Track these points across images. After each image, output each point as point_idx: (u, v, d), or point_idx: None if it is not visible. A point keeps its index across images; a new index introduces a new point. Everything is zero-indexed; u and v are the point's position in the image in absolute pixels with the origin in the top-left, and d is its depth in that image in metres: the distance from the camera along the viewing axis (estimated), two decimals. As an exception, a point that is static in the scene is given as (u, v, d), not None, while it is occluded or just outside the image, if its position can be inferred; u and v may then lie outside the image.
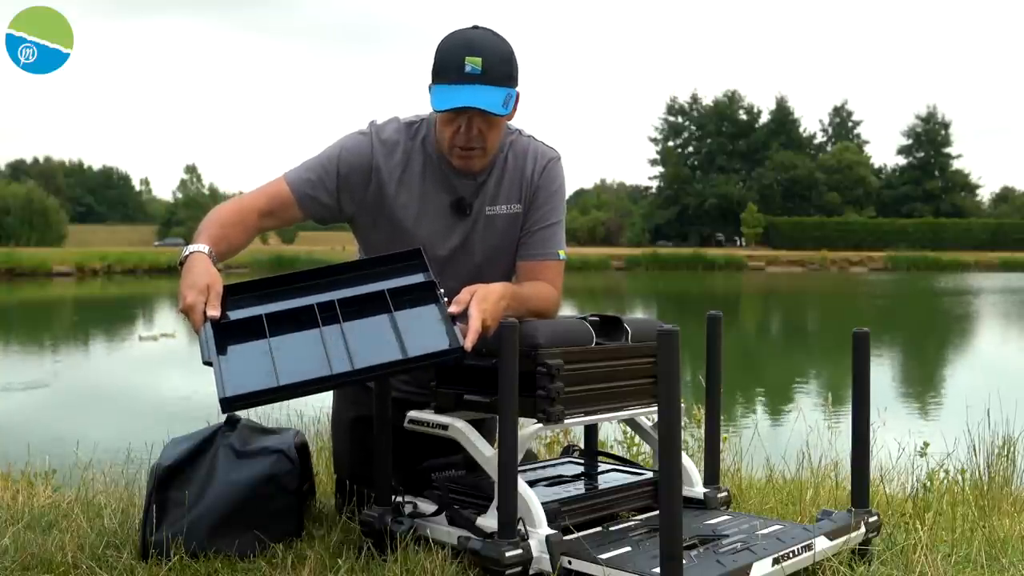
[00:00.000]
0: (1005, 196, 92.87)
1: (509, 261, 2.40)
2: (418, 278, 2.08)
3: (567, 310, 2.38)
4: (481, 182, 2.34)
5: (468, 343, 1.92)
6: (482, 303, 1.98)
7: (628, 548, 1.92)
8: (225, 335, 1.95)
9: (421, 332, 1.97)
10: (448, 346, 1.93)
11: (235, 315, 2.00)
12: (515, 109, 2.28)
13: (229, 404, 1.86)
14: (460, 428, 2.08)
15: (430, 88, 2.21)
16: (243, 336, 1.96)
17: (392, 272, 2.10)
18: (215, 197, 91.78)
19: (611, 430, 3.47)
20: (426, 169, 2.32)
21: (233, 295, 2.03)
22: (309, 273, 2.12)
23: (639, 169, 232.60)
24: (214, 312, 1.95)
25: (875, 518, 2.18)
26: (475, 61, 2.13)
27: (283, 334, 1.97)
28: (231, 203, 2.27)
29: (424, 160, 2.32)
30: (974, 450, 3.26)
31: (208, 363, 1.90)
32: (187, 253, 2.07)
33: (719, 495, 2.33)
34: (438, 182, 2.32)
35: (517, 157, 2.37)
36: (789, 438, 3.74)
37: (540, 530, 1.91)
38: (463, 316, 1.98)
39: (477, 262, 2.37)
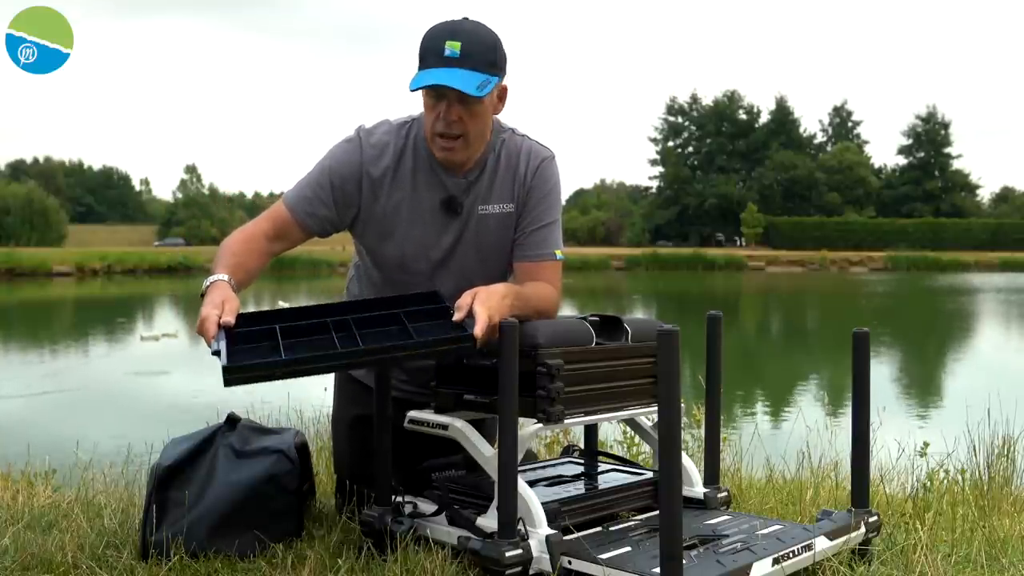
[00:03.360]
0: (1005, 196, 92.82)
1: (503, 261, 2.40)
2: (432, 306, 2.11)
3: (567, 310, 2.37)
4: (472, 181, 2.34)
5: (478, 331, 1.91)
6: (487, 301, 1.99)
7: (628, 548, 1.92)
8: (237, 336, 1.96)
9: (431, 330, 2.00)
10: (457, 333, 1.93)
11: (249, 329, 2.01)
12: (502, 101, 2.29)
13: (230, 374, 1.80)
14: (460, 428, 2.08)
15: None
16: (254, 339, 1.98)
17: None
18: (215, 197, 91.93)
19: (611, 430, 3.47)
20: (417, 168, 2.32)
21: (247, 323, 2.04)
22: (322, 308, 2.14)
23: (639, 169, 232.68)
24: (228, 318, 1.96)
25: (875, 518, 2.18)
26: (454, 45, 2.14)
27: (296, 341, 2.00)
28: (238, 233, 2.30)
29: (415, 159, 2.32)
30: (974, 450, 3.25)
31: (216, 352, 1.88)
32: (208, 283, 2.10)
33: (719, 495, 2.33)
34: (429, 181, 2.32)
35: (510, 156, 2.37)
36: (789, 438, 3.74)
37: (540, 530, 1.91)
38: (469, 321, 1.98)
39: (471, 262, 2.37)
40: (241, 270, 2.18)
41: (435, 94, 2.19)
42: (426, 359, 2.16)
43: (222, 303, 1.99)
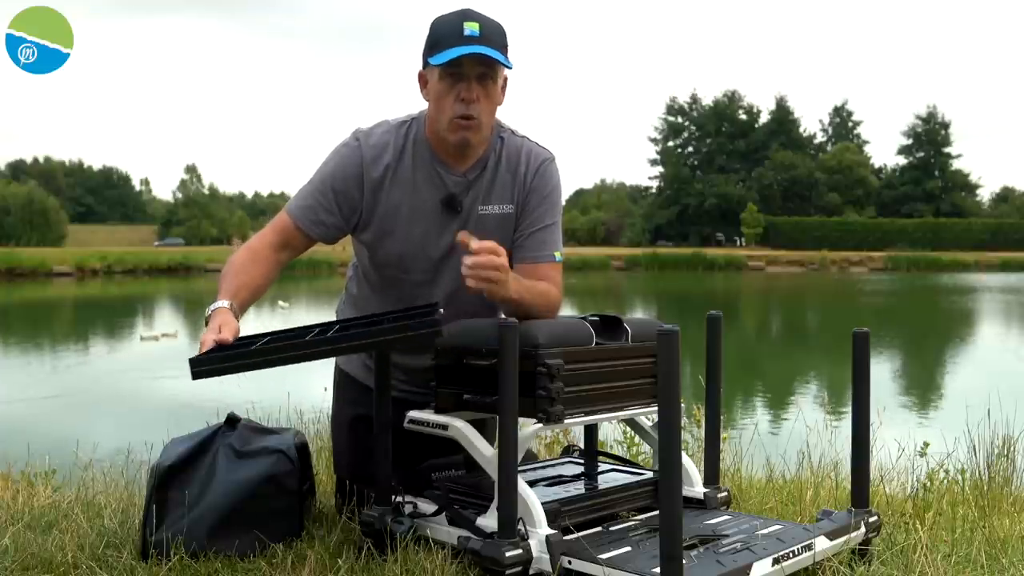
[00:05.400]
0: (1005, 196, 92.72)
1: None
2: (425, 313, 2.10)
3: (567, 310, 2.37)
4: (472, 180, 2.34)
5: (475, 243, 1.97)
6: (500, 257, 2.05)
7: (628, 548, 1.92)
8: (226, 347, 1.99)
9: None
10: (421, 319, 1.91)
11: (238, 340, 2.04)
12: (503, 92, 2.31)
13: (195, 366, 1.87)
14: (460, 428, 2.08)
15: (426, 67, 2.24)
16: (240, 347, 2.00)
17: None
18: (215, 197, 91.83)
19: (611, 430, 3.47)
20: (417, 167, 2.32)
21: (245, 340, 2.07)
22: (325, 325, 2.17)
23: (639, 169, 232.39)
24: (224, 335, 1.99)
25: (875, 518, 2.18)
26: (473, 26, 2.17)
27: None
28: (243, 249, 2.32)
29: (415, 158, 2.32)
30: (974, 450, 3.25)
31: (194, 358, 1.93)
32: (210, 311, 2.13)
33: (719, 495, 2.33)
34: (429, 179, 2.32)
35: (509, 157, 2.37)
36: (789, 438, 3.74)
37: (540, 530, 1.91)
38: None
39: None
40: (245, 289, 2.20)
41: (454, 76, 2.19)
42: (395, 349, 2.14)
43: (219, 327, 2.03)
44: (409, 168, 2.32)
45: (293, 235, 2.32)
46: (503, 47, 2.21)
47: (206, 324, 2.10)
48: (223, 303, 2.13)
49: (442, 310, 2.01)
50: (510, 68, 2.25)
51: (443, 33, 2.19)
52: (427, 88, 2.28)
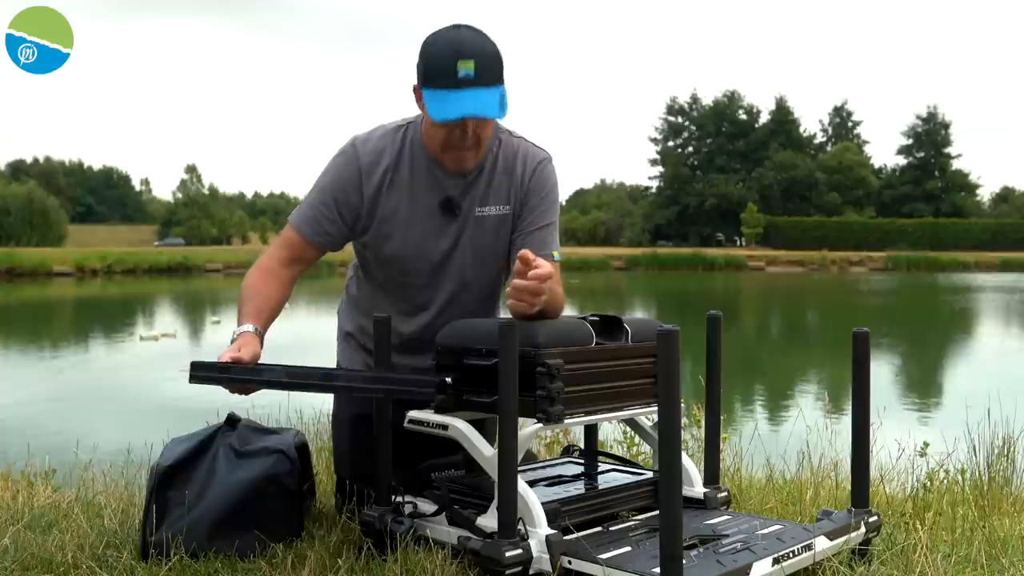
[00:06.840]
0: (1005, 196, 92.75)
1: (499, 264, 2.40)
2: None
3: (567, 310, 2.37)
4: (470, 182, 2.33)
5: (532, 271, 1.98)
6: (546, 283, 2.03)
7: (628, 548, 1.92)
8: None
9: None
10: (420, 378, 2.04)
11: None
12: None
13: (193, 370, 2.07)
14: (460, 428, 2.08)
15: (421, 91, 2.19)
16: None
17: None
18: (215, 197, 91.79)
19: (611, 430, 3.47)
20: (414, 171, 2.32)
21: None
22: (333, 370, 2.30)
23: (639, 169, 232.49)
24: (238, 355, 2.08)
25: (875, 518, 2.17)
26: (468, 65, 2.10)
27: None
28: (255, 270, 2.34)
29: (412, 161, 2.32)
30: (974, 450, 3.25)
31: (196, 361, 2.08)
32: (235, 335, 2.19)
33: (719, 495, 2.33)
34: (427, 182, 2.32)
35: (507, 158, 2.36)
36: (789, 438, 3.73)
37: (540, 530, 1.91)
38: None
39: (468, 265, 2.37)
40: (266, 310, 2.25)
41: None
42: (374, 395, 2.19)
43: (239, 347, 2.11)
44: (407, 171, 2.32)
45: (300, 248, 2.35)
46: (498, 77, 2.16)
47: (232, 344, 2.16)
48: (247, 327, 2.18)
49: (449, 379, 2.06)
50: (503, 116, 2.19)
51: (436, 70, 2.13)
52: (421, 102, 2.23)
